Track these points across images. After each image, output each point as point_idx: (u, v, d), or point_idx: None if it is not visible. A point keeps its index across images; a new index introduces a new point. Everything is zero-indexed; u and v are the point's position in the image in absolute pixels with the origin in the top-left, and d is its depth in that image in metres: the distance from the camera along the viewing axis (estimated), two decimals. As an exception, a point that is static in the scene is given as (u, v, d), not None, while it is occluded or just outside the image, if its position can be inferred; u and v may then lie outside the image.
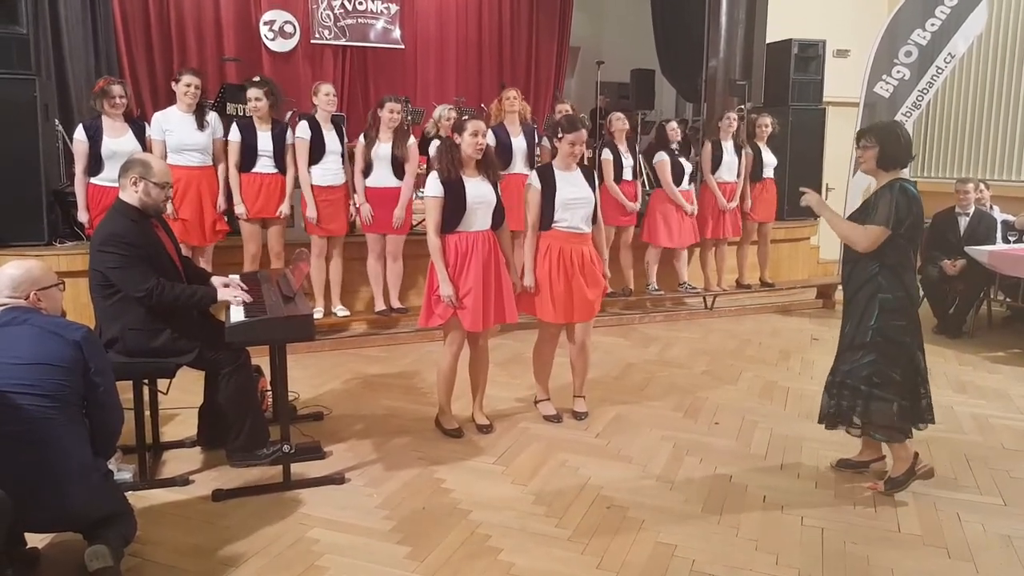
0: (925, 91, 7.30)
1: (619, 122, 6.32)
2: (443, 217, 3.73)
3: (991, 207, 6.56)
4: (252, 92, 5.22)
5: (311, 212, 5.34)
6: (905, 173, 3.34)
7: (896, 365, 3.31)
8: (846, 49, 8.77)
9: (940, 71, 7.23)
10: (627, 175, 6.33)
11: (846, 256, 3.50)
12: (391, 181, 5.45)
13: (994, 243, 6.13)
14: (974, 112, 8.69)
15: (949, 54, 7.18)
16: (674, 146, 6.43)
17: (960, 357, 5.61)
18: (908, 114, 7.33)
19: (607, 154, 6.26)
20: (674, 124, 6.54)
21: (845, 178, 7.46)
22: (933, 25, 7.13)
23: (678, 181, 6.43)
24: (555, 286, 3.97)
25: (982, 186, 6.54)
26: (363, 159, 5.41)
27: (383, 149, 5.40)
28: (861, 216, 3.34)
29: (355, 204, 5.51)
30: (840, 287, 7.34)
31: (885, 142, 3.28)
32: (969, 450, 3.90)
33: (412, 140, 5.57)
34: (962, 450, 3.90)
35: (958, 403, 4.62)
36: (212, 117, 5.23)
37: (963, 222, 6.26)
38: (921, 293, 6.38)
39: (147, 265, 3.25)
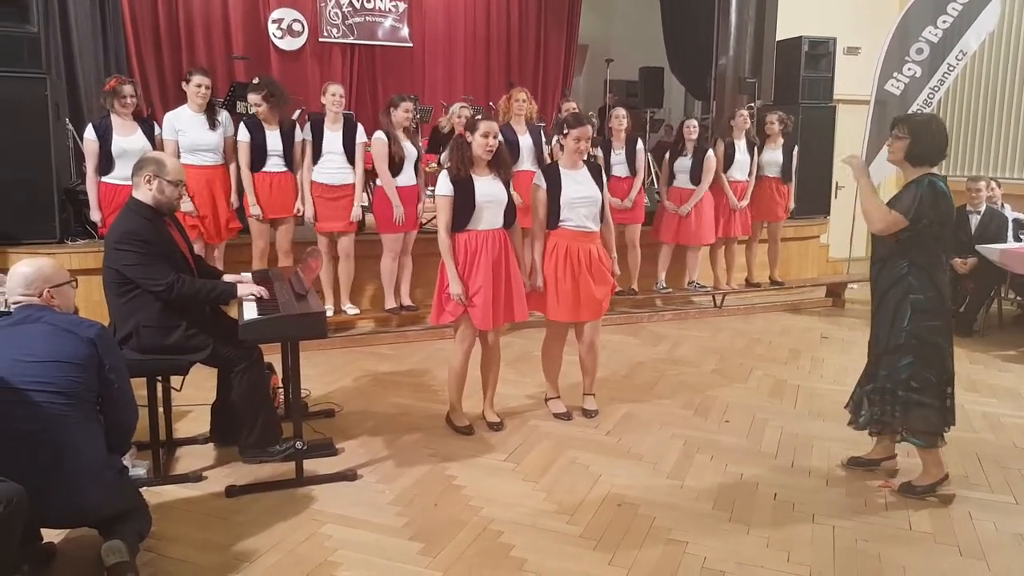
0: (936, 89, 7.26)
1: (616, 120, 6.29)
2: (453, 215, 3.74)
3: (1002, 205, 6.53)
4: (251, 97, 5.24)
5: (308, 212, 5.37)
6: (936, 170, 3.22)
7: (931, 367, 3.24)
8: (857, 46, 8.73)
9: (952, 68, 7.19)
10: (618, 171, 6.27)
11: (875, 255, 3.39)
12: (414, 179, 5.48)
13: (1005, 241, 6.10)
14: (986, 110, 8.65)
15: (961, 51, 7.14)
16: (688, 145, 6.41)
17: (971, 356, 5.59)
18: (912, 112, 7.30)
19: (597, 151, 6.25)
20: (691, 123, 6.51)
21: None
22: (945, 22, 7.09)
23: (670, 180, 6.48)
24: (561, 284, 3.97)
25: (993, 184, 6.51)
26: (391, 158, 5.34)
27: (409, 148, 5.41)
28: (889, 207, 3.24)
29: (365, 203, 5.50)
30: (849, 287, 7.42)
31: (917, 136, 3.18)
32: (980, 449, 3.89)
33: (420, 140, 5.58)
34: (973, 449, 3.89)
35: (969, 402, 4.60)
36: (224, 116, 5.26)
37: (974, 220, 6.24)
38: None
39: (165, 261, 3.27)
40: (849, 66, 8.39)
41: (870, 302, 3.44)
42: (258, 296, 3.42)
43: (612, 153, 6.27)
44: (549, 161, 5.66)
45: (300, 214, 5.40)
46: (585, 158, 4.04)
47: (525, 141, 5.86)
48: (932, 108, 7.46)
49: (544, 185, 3.96)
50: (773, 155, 6.73)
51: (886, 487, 3.41)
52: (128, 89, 4.93)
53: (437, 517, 3.12)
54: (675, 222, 6.50)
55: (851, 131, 8.06)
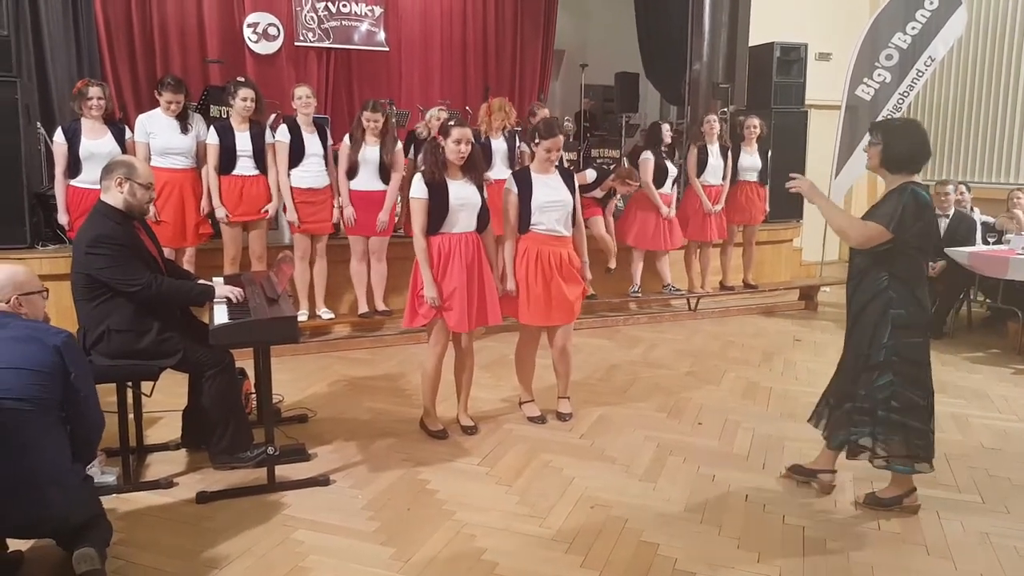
0: (906, 94, 7.38)
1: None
2: (427, 218, 3.74)
3: (971, 209, 6.64)
4: (245, 92, 5.15)
5: (291, 216, 5.35)
6: (917, 179, 3.09)
7: (916, 387, 3.10)
8: (828, 52, 8.86)
9: (920, 74, 7.32)
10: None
11: (852, 269, 3.21)
12: (376, 184, 5.46)
13: (974, 244, 6.20)
14: (954, 115, 8.80)
15: (929, 57, 7.27)
16: (663, 148, 6.46)
17: (940, 357, 5.65)
18: (889, 117, 7.41)
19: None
20: (667, 126, 6.58)
21: (827, 181, 7.53)
22: (914, 29, 7.22)
23: (660, 183, 6.47)
24: (533, 288, 3.98)
25: (963, 188, 6.61)
26: (347, 161, 5.40)
27: (370, 152, 5.40)
28: (866, 218, 3.10)
29: (338, 206, 5.50)
30: (822, 289, 7.50)
31: (891, 141, 3.06)
32: (949, 449, 3.93)
33: (399, 145, 5.58)
34: (942, 449, 3.89)
35: (938, 402, 4.54)
36: (196, 120, 5.22)
37: (943, 224, 6.32)
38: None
39: (139, 261, 3.25)
40: (820, 72, 8.51)
41: (846, 319, 3.27)
42: (236, 297, 3.40)
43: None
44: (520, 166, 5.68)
45: (267, 214, 5.35)
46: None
47: (499, 145, 5.88)
48: (902, 113, 7.58)
49: (515, 189, 3.97)
50: (752, 159, 6.81)
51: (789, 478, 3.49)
52: (94, 91, 4.89)
53: (410, 521, 3.11)
54: (639, 227, 6.53)
55: (823, 136, 8.17)
